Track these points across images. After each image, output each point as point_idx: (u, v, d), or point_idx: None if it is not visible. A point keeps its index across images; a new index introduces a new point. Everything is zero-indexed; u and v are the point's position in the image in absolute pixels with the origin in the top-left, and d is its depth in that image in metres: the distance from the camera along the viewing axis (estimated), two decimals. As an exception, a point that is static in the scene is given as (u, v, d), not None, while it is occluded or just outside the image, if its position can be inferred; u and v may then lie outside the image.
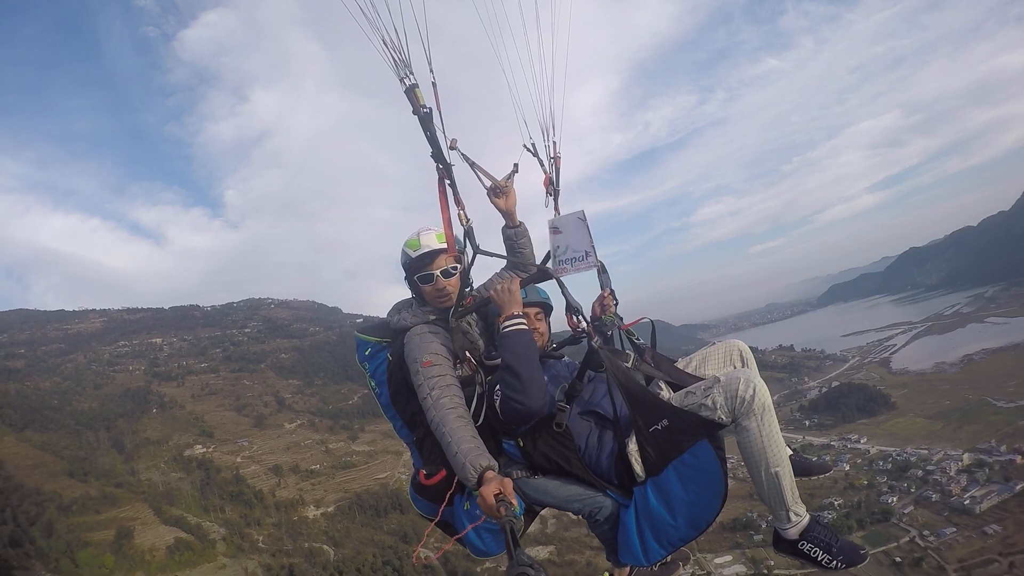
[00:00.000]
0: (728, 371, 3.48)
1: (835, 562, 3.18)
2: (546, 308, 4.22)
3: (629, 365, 3.57)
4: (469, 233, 3.67)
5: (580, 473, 3.36)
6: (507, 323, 3.28)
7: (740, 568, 77.72)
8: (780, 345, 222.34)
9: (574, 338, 4.05)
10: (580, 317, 3.83)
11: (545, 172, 4.66)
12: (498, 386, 3.37)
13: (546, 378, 3.51)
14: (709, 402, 3.07)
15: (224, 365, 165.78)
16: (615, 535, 3.38)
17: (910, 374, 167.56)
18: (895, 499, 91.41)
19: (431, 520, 3.65)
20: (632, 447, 3.23)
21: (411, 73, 3.38)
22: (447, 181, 3.53)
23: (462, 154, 3.70)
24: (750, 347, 3.92)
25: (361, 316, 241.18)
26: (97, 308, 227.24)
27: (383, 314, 4.02)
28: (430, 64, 3.38)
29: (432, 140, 3.46)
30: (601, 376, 3.56)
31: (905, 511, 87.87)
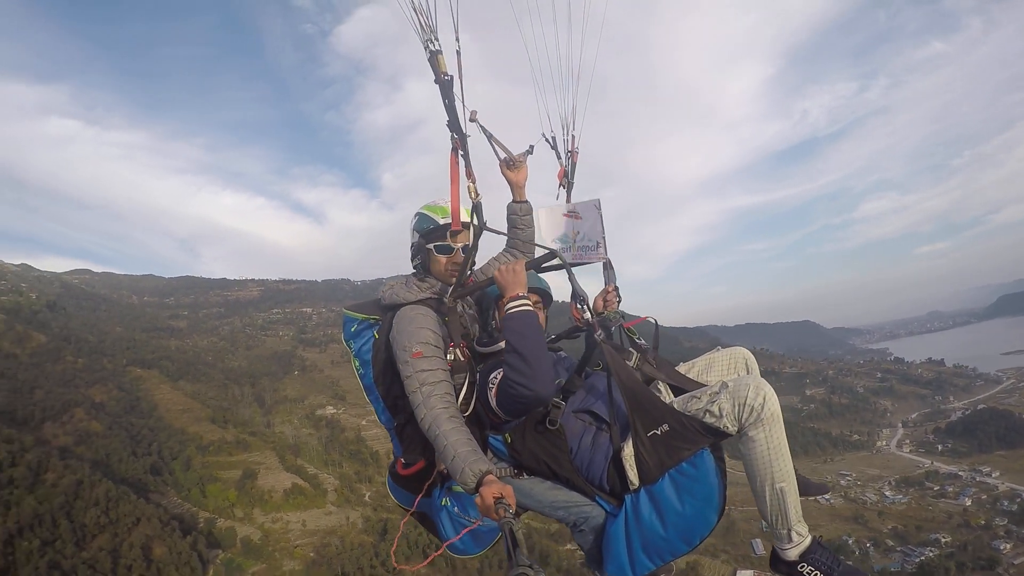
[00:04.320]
0: (735, 376, 3.10)
1: None
2: (546, 297, 3.93)
3: (632, 364, 3.41)
4: (477, 208, 3.56)
5: (570, 476, 3.14)
6: (512, 304, 2.99)
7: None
8: (930, 358, 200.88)
9: (573, 332, 3.88)
10: (585, 307, 3.41)
11: (561, 165, 4.69)
12: (496, 371, 3.09)
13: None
14: (715, 409, 2.82)
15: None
16: (599, 545, 3.14)
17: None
18: (1009, 546, 78.51)
19: (408, 511, 3.63)
20: (628, 452, 2.97)
21: (436, 39, 3.36)
22: (460, 152, 3.50)
23: (480, 126, 3.71)
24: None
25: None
26: (256, 278, 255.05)
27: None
28: (456, 32, 3.36)
29: (450, 108, 3.42)
30: (599, 374, 3.35)
31: (1015, 562, 74.64)
